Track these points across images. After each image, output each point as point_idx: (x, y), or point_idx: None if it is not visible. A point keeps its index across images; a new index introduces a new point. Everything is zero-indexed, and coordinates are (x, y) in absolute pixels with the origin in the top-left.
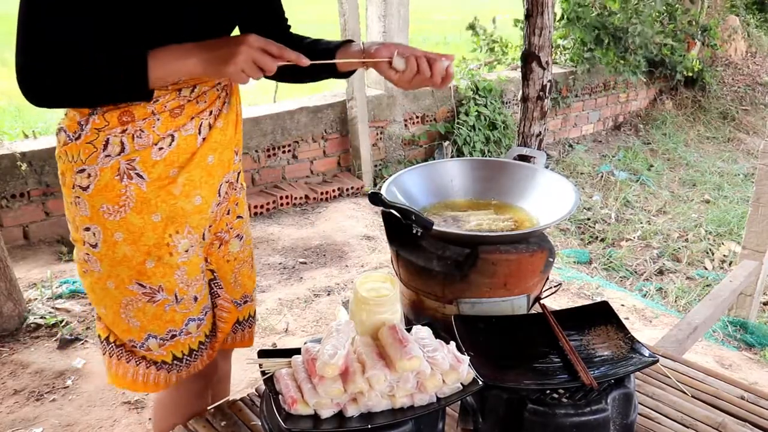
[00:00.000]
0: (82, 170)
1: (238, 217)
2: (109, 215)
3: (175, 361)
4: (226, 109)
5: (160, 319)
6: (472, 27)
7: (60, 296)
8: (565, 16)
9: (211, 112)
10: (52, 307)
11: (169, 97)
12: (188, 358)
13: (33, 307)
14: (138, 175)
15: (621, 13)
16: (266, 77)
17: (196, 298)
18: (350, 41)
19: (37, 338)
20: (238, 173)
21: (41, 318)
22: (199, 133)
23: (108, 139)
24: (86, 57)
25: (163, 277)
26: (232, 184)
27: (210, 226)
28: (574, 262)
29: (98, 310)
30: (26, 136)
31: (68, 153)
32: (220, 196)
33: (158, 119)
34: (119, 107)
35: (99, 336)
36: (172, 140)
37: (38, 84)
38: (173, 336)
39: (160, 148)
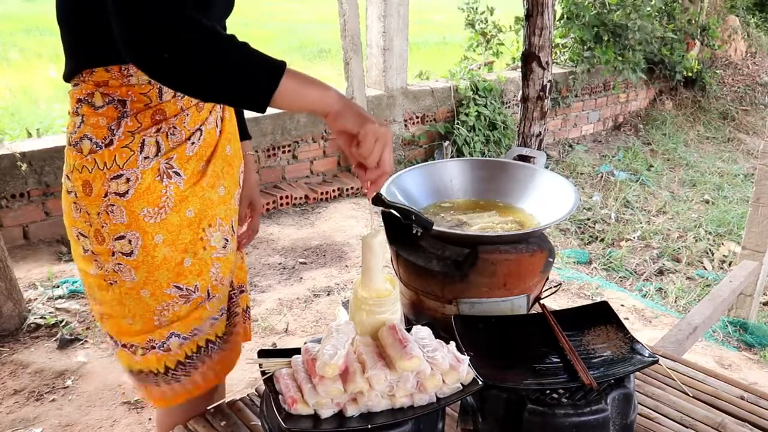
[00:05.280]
0: (119, 176)
1: None
2: (149, 218)
3: (187, 360)
4: None
5: (190, 316)
6: (471, 24)
7: (60, 296)
8: (564, 15)
9: (220, 105)
10: (52, 307)
11: None
12: (197, 354)
13: (33, 307)
14: (176, 173)
15: (620, 10)
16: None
17: (219, 298)
18: (248, 139)
19: (37, 338)
20: None
21: (41, 318)
22: (217, 125)
23: (143, 140)
24: (229, 41)
25: (199, 275)
26: (242, 172)
27: (236, 220)
28: (574, 262)
29: (122, 324)
30: (30, 135)
31: (98, 161)
32: (240, 187)
33: (187, 114)
34: (151, 107)
35: (138, 370)
36: (200, 135)
37: (174, 54)
38: (195, 334)
39: (192, 143)
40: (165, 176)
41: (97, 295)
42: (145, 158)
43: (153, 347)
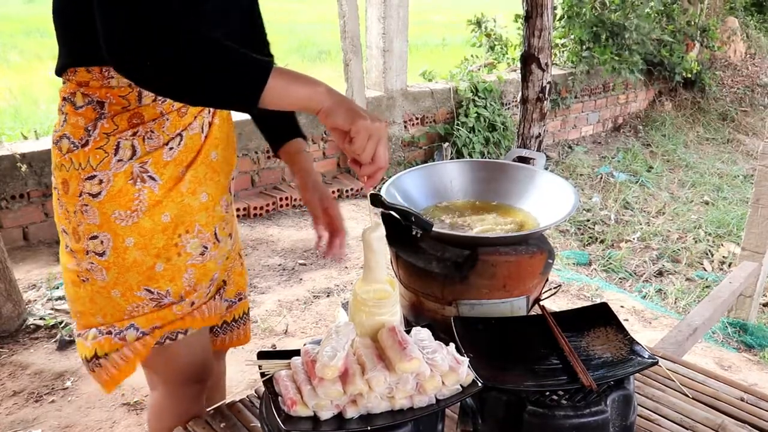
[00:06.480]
0: (93, 177)
1: None
2: (121, 221)
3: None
4: None
5: (155, 314)
6: (477, 23)
7: (59, 297)
8: (564, 15)
9: (209, 111)
10: (52, 309)
11: None
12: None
13: (32, 308)
14: (151, 177)
15: (620, 11)
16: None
17: (193, 303)
18: (301, 138)
19: (37, 339)
20: None
21: (41, 319)
22: (202, 131)
23: (119, 142)
24: (217, 43)
25: (171, 280)
26: (234, 180)
27: (224, 228)
28: (574, 263)
29: (92, 321)
30: (26, 138)
31: (74, 160)
32: (231, 195)
33: (167, 119)
34: (129, 110)
35: (85, 357)
36: (181, 140)
37: (159, 59)
38: (153, 331)
39: (171, 148)
40: (139, 180)
41: (71, 291)
42: (119, 161)
43: (110, 333)
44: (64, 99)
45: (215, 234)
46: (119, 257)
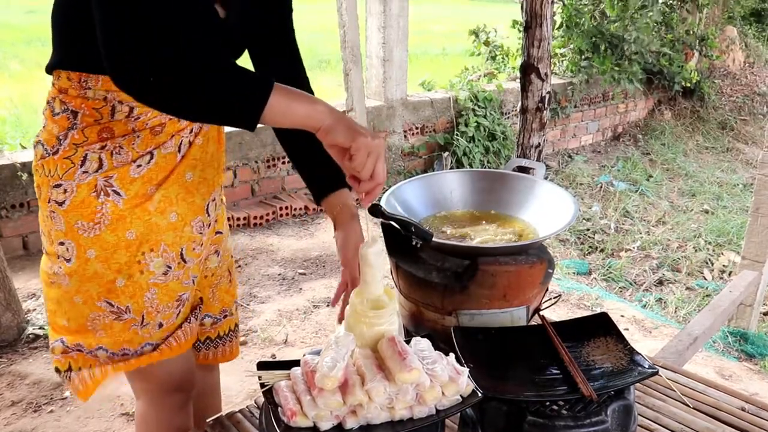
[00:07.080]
0: (59, 185)
1: (218, 232)
2: (83, 232)
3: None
4: (207, 126)
5: (120, 336)
6: (475, 33)
7: None
8: (564, 24)
9: (191, 130)
10: None
11: (150, 114)
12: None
13: (32, 317)
14: (115, 192)
15: (618, 22)
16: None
17: (161, 325)
18: (346, 188)
19: (36, 349)
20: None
21: (40, 329)
22: (179, 150)
23: (86, 154)
24: (218, 47)
25: (131, 297)
26: (216, 200)
27: (194, 249)
28: (574, 272)
29: (59, 322)
30: (24, 147)
31: (45, 167)
32: (209, 216)
33: (138, 136)
34: (100, 123)
35: (57, 369)
36: (151, 158)
37: (161, 74)
38: (125, 355)
39: (138, 166)
40: (102, 193)
41: (45, 290)
42: (84, 172)
43: (80, 350)
44: (47, 103)
45: (181, 254)
46: (81, 267)
